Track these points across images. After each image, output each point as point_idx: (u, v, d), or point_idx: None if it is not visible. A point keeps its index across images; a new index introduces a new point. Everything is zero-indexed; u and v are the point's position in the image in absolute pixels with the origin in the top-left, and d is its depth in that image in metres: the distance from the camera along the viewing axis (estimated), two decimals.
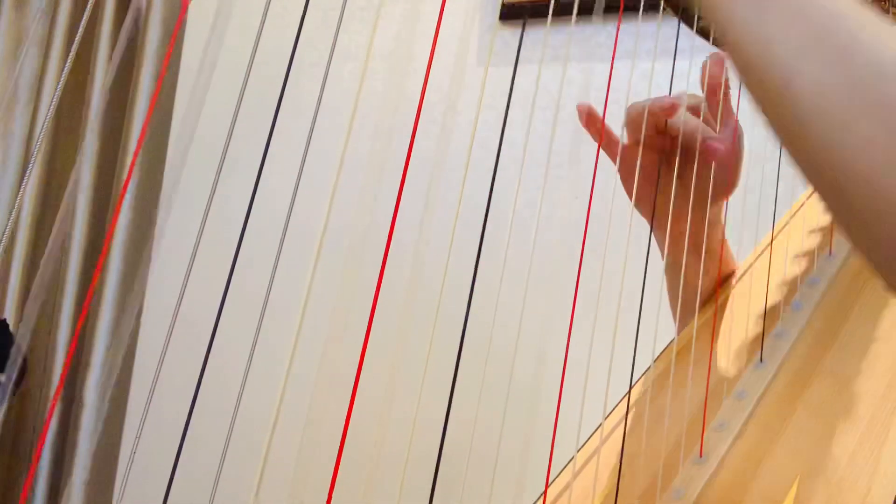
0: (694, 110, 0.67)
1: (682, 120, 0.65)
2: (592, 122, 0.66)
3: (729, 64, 0.66)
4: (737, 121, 0.68)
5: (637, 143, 0.66)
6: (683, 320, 0.69)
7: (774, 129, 0.35)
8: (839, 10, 0.33)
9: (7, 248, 1.90)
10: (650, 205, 0.67)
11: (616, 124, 0.68)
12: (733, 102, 0.69)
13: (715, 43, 0.65)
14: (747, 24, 0.34)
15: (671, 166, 0.67)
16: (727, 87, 0.67)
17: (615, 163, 0.68)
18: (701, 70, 0.67)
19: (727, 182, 0.68)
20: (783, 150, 0.35)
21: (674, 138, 0.67)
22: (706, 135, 0.65)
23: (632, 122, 0.66)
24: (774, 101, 0.34)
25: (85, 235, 1.94)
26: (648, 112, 0.64)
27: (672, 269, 0.71)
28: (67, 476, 1.85)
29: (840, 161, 0.30)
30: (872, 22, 0.32)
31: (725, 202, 0.71)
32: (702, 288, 0.70)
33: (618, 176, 0.69)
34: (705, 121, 0.67)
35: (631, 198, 0.68)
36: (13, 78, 1.97)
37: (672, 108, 0.64)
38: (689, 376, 0.62)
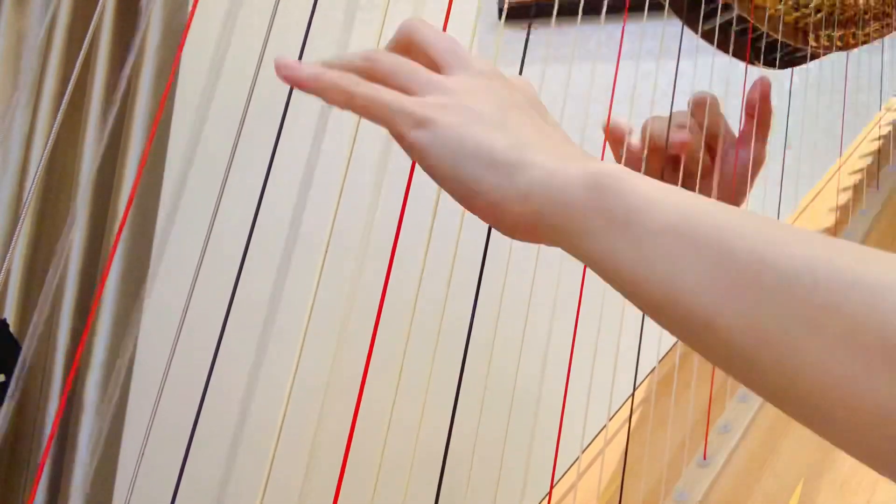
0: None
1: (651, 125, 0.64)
2: (617, 140, 0.64)
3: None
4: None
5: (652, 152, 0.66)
6: None
7: (718, 365, 0.31)
8: (728, 223, 0.29)
9: (7, 248, 1.90)
10: None
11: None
12: (730, 106, 0.69)
13: (719, 46, 0.65)
14: (636, 268, 0.30)
15: (677, 171, 0.67)
16: (767, 109, 0.65)
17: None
18: (750, 91, 0.65)
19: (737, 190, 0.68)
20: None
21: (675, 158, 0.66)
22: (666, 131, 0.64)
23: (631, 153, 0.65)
24: (704, 344, 0.29)
25: (85, 237, 1.94)
26: (652, 133, 0.63)
27: None
28: (67, 476, 1.85)
29: (795, 381, 0.27)
30: (764, 228, 0.29)
31: None
32: None
33: None
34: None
35: None
36: (13, 78, 1.97)
37: (682, 145, 0.62)
38: (692, 379, 0.62)
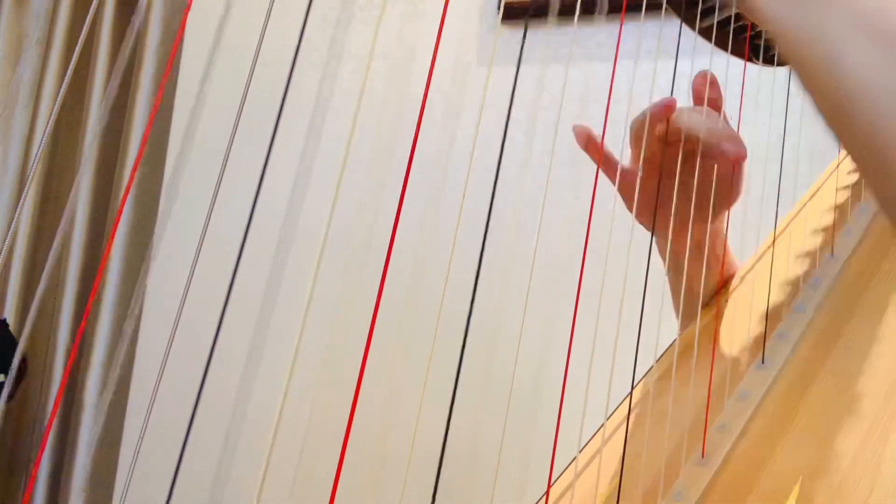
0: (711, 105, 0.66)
1: (686, 116, 0.64)
2: (592, 145, 0.66)
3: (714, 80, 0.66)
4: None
5: (641, 158, 0.66)
6: (685, 322, 0.69)
7: (818, 107, 0.36)
8: None
9: (7, 248, 1.90)
10: (652, 216, 0.67)
11: (617, 125, 0.67)
12: (728, 104, 0.69)
13: (717, 44, 0.65)
14: (792, 5, 0.35)
15: (673, 176, 0.67)
16: (716, 93, 0.67)
17: (614, 183, 0.68)
18: (691, 88, 0.67)
19: (730, 190, 0.68)
20: (832, 131, 0.36)
21: (676, 146, 0.66)
22: (716, 135, 0.64)
23: (636, 135, 0.65)
24: (820, 81, 0.35)
25: (85, 235, 1.94)
26: (650, 118, 0.63)
27: (675, 274, 0.71)
28: (67, 476, 1.85)
29: (886, 141, 0.31)
30: None
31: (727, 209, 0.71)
32: (704, 291, 0.69)
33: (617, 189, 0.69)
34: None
35: (632, 212, 0.67)
36: (13, 78, 1.97)
37: (669, 108, 0.63)
38: (691, 377, 0.62)
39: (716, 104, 0.67)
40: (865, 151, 0.34)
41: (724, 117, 0.68)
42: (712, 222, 0.68)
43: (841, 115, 0.34)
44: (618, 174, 0.67)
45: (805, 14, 0.35)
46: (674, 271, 0.71)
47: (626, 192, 0.68)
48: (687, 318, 0.69)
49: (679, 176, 0.66)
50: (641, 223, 0.68)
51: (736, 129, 0.69)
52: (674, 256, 0.69)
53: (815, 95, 0.36)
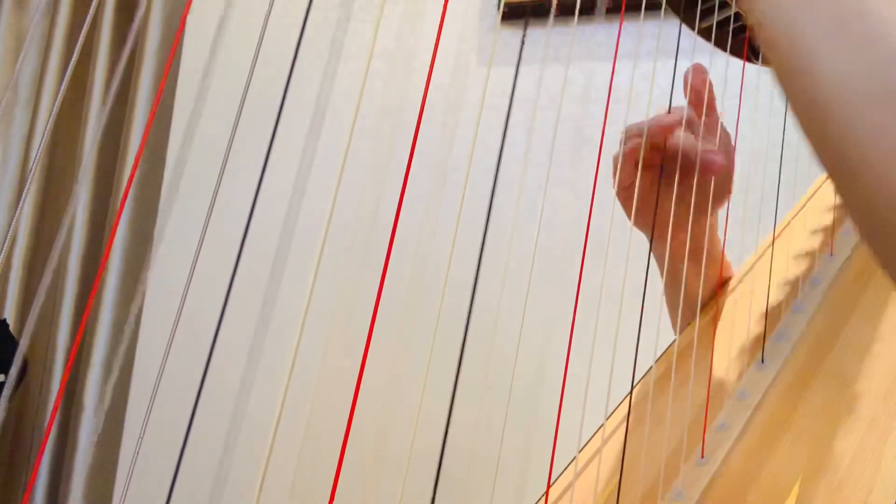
0: (688, 124, 0.67)
1: (682, 137, 0.65)
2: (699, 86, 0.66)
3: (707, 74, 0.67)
4: (723, 126, 0.68)
5: (635, 163, 0.66)
6: (684, 326, 0.69)
7: (794, 109, 0.36)
8: None
9: (7, 249, 1.90)
10: (650, 220, 0.67)
11: (617, 124, 0.68)
12: (728, 104, 0.69)
13: (716, 44, 0.65)
14: (773, 3, 0.35)
15: (670, 180, 0.67)
16: (712, 95, 0.67)
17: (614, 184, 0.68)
18: (683, 80, 0.67)
19: (723, 190, 0.68)
20: (803, 134, 0.35)
21: (672, 154, 0.66)
22: (704, 147, 0.65)
23: (631, 143, 0.65)
24: (797, 82, 0.34)
25: (85, 236, 1.94)
26: (648, 132, 0.64)
27: (672, 280, 0.72)
28: (67, 476, 1.85)
29: (854, 146, 0.31)
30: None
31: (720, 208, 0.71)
32: (702, 293, 0.70)
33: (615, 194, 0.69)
34: (695, 128, 0.67)
35: (630, 217, 0.68)
36: (13, 78, 1.97)
37: (673, 128, 0.64)
38: (690, 377, 0.62)
39: (711, 103, 0.67)
40: (837, 162, 0.33)
41: (725, 131, 0.68)
42: (705, 220, 0.69)
43: (814, 121, 0.34)
44: (616, 182, 0.68)
45: (783, 13, 0.35)
46: (671, 277, 0.72)
47: (625, 195, 0.68)
48: (685, 319, 0.69)
49: (677, 181, 0.66)
50: (638, 226, 0.69)
51: (734, 129, 0.69)
52: (673, 253, 0.69)
53: (791, 100, 0.36)
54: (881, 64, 0.31)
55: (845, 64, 0.32)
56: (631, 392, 0.60)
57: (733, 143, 0.69)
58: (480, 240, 0.44)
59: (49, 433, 1.80)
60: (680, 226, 0.67)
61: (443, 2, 0.44)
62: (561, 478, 0.56)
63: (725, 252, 0.74)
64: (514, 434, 0.73)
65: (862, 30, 0.32)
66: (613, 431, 0.59)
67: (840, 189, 0.34)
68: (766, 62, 0.68)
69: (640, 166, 0.65)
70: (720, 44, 0.65)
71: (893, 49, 0.31)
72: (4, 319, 1.72)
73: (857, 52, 0.32)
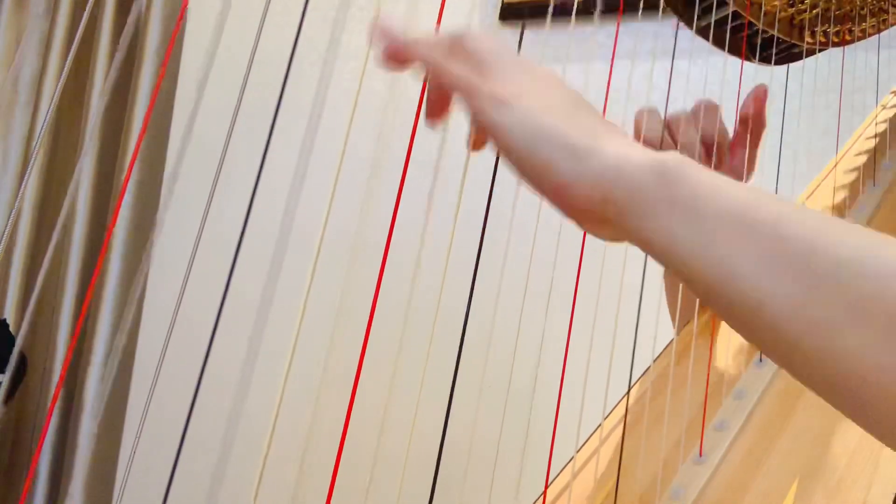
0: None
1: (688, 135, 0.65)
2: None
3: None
4: (723, 124, 0.69)
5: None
6: (682, 324, 0.69)
7: (759, 348, 0.33)
8: (782, 213, 0.31)
9: (7, 248, 1.90)
10: None
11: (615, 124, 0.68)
12: (728, 105, 0.69)
13: (714, 43, 0.65)
14: (694, 250, 0.32)
15: None
16: (762, 125, 0.67)
17: None
18: (745, 100, 0.67)
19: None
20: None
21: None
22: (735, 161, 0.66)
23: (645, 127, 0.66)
24: (750, 326, 0.31)
25: (85, 235, 1.94)
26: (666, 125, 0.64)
27: (672, 278, 0.72)
28: (67, 476, 1.85)
29: (836, 368, 0.28)
30: (817, 219, 0.30)
31: None
32: None
33: None
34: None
35: None
36: (13, 78, 1.97)
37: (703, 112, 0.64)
38: (688, 376, 0.62)
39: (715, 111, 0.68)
40: (818, 381, 0.30)
41: (726, 131, 0.68)
42: None
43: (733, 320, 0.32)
44: None
45: (711, 243, 0.31)
46: (670, 276, 0.72)
47: None
48: (684, 317, 0.69)
49: None
50: None
51: (733, 129, 0.69)
52: None
53: (747, 337, 0.33)
54: (827, 283, 0.29)
55: (794, 295, 0.29)
56: (629, 391, 0.60)
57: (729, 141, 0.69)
58: (478, 240, 0.44)
59: (46, 432, 1.80)
60: None
61: (440, 2, 0.44)
62: (559, 478, 0.56)
63: None
64: (511, 434, 0.73)
65: (793, 253, 0.30)
66: (611, 431, 0.59)
67: (839, 407, 0.31)
68: (776, 62, 0.68)
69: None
70: (718, 43, 0.65)
71: (832, 263, 0.29)
72: (4, 319, 1.72)
73: (799, 279, 0.29)
